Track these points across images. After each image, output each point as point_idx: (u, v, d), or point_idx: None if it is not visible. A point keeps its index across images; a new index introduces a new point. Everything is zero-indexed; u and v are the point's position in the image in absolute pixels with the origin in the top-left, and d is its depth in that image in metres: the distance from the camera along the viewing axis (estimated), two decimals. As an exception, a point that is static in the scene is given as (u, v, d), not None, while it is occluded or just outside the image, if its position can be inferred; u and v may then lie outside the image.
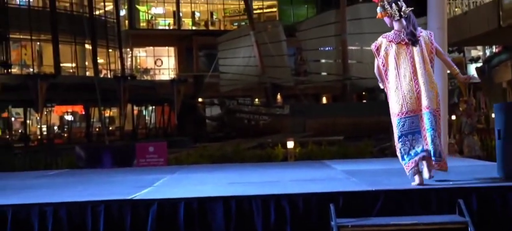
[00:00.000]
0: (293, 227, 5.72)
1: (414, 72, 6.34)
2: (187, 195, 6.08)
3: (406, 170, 6.34)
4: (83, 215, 5.83)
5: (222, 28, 52.18)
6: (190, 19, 52.74)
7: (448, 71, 8.43)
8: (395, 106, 6.37)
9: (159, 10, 52.09)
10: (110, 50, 42.33)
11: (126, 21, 48.06)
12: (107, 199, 6.02)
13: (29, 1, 38.25)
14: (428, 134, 6.24)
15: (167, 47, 50.47)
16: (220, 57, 43.68)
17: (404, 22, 6.49)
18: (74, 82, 36.83)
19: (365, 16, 40.67)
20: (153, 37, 49.83)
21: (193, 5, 52.65)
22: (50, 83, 32.50)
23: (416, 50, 6.39)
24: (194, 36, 49.64)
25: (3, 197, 6.70)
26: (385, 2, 6.66)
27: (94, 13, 40.86)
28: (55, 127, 41.73)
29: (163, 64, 50.18)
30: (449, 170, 6.52)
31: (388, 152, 16.55)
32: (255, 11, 50.50)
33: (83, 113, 40.75)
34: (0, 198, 6.57)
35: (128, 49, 47.02)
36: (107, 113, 42.43)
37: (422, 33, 6.50)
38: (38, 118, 37.47)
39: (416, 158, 6.27)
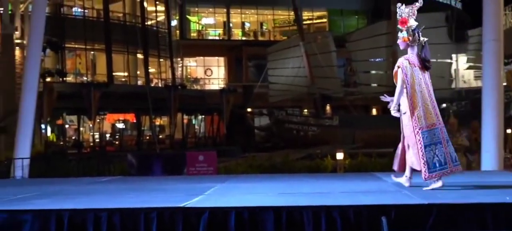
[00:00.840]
0: (344, 239, 5.69)
1: (429, 92, 7.49)
2: (238, 204, 6.12)
3: (429, 177, 7.29)
4: (136, 221, 5.92)
5: (271, 38, 52.30)
6: (240, 30, 53.05)
7: (504, 83, 8.83)
8: (421, 120, 7.35)
9: (209, 20, 52.57)
10: (161, 60, 42.89)
11: (177, 31, 48.64)
12: (160, 206, 6.11)
13: (84, 12, 39.12)
14: (448, 144, 7.41)
15: (217, 57, 50.87)
16: (270, 67, 43.73)
17: (416, 49, 7.60)
18: (126, 91, 37.44)
19: (416, 27, 40.21)
20: (203, 47, 50.28)
21: (243, 15, 52.96)
22: (103, 92, 33.12)
23: (427, 74, 7.57)
24: (244, 46, 49.87)
25: (59, 202, 6.87)
26: (410, 29, 7.66)
27: (146, 24, 41.52)
28: (107, 135, 42.47)
29: (213, 73, 50.57)
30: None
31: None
32: (304, 22, 50.44)
33: (134, 121, 41.37)
34: (57, 203, 6.74)
35: (179, 59, 47.56)
36: (158, 122, 42.99)
37: None
38: (91, 125, 38.24)
39: (444, 171, 7.30)
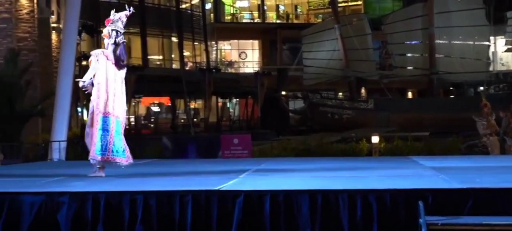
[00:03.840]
0: (380, 223, 5.63)
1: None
2: (273, 188, 6.10)
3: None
4: (172, 204, 5.95)
5: (306, 21, 52.00)
6: (275, 12, 52.82)
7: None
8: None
9: (244, 3, 52.44)
10: (195, 43, 42.99)
11: (212, 15, 48.64)
12: (195, 189, 6.13)
13: (119, -5, 39.38)
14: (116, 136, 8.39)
15: (251, 40, 50.78)
16: (304, 50, 43.48)
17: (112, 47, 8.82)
18: (161, 74, 37.64)
19: (453, 9, 39.54)
20: (237, 30, 50.22)
21: (277, -2, 52.75)
22: (138, 75, 33.32)
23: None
24: (278, 29, 49.67)
25: (96, 184, 6.94)
26: (110, 29, 9.07)
27: (180, 7, 41.60)
28: (142, 118, 42.83)
29: (247, 57, 50.55)
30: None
31: (477, 149, 16.02)
32: (339, 4, 49.93)
33: (169, 104, 41.61)
34: (93, 185, 6.81)
35: (213, 42, 47.62)
36: (192, 105, 43.15)
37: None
38: (126, 108, 38.58)
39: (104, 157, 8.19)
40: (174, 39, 40.80)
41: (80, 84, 8.81)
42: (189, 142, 16.19)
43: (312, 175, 7.60)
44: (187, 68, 40.28)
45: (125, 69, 8.93)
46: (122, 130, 8.56)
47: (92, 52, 9.11)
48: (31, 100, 16.32)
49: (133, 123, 39.38)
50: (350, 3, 53.02)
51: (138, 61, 37.54)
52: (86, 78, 8.80)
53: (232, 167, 9.17)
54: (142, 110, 42.66)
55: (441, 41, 40.15)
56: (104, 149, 8.20)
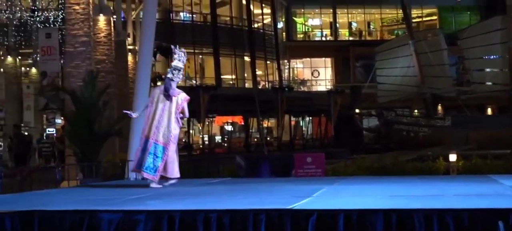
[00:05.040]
0: (458, 244, 5.45)
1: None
2: (346, 207, 6.02)
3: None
4: (245, 222, 5.95)
5: (379, 37, 51.50)
6: (347, 30, 52.61)
7: None
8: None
9: (316, 21, 52.50)
10: (268, 62, 43.27)
11: (284, 33, 48.91)
12: (268, 208, 6.11)
13: (192, 17, 40.14)
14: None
15: (323, 58, 50.71)
16: (378, 67, 43.07)
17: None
18: (234, 94, 38.05)
19: (534, 22, 38.27)
20: (310, 48, 50.27)
21: (349, 15, 52.51)
22: (211, 95, 33.81)
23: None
24: (351, 46, 49.43)
25: (170, 203, 7.04)
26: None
27: (253, 26, 42.01)
28: (216, 137, 43.31)
29: (319, 75, 50.45)
30: None
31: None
32: (414, 20, 49.31)
33: (242, 123, 41.95)
34: (168, 204, 6.92)
35: (286, 61, 47.80)
36: (265, 124, 43.35)
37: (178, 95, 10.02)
38: (200, 128, 39.14)
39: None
40: (247, 59, 41.20)
41: (129, 114, 11.01)
42: (262, 161, 16.24)
43: (387, 194, 7.46)
44: (259, 87, 40.58)
45: (174, 99, 10.02)
46: (161, 153, 9.93)
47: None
48: (108, 120, 16.77)
49: (206, 142, 39.87)
50: (424, 19, 52.27)
51: (212, 81, 38.09)
52: (139, 111, 11.01)
53: (305, 186, 9.12)
54: (215, 129, 43.16)
55: (521, 55, 38.92)
56: (138, 164, 10.02)
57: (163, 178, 10.12)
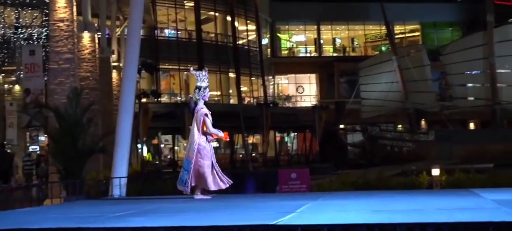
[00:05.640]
0: (440, 257, 5.51)
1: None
2: (330, 222, 6.06)
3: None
4: (229, 239, 5.97)
5: (363, 53, 51.83)
6: (331, 46, 52.90)
7: None
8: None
9: (300, 37, 52.75)
10: (253, 78, 43.37)
11: (268, 50, 49.07)
12: (253, 223, 6.14)
13: (177, 33, 40.18)
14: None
15: (308, 74, 50.91)
16: (362, 83, 43.31)
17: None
18: (219, 110, 37.97)
19: (514, 37, 38.71)
20: (294, 64, 50.46)
21: (333, 31, 52.84)
22: (196, 111, 33.75)
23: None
24: (335, 62, 49.69)
25: (155, 220, 7.04)
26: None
27: (237, 43, 42.13)
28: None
29: (304, 91, 50.63)
30: None
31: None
32: (397, 36, 49.71)
33: (228, 139, 41.93)
34: (153, 220, 6.91)
35: (270, 77, 47.93)
36: (250, 140, 43.40)
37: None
38: (185, 144, 39.05)
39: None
40: (232, 75, 41.26)
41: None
42: (247, 177, 16.23)
43: (371, 209, 7.52)
44: (244, 103, 40.61)
45: (196, 115, 11.26)
46: (188, 166, 11.12)
47: None
48: (92, 137, 16.70)
49: (192, 159, 39.67)
50: (407, 35, 52.73)
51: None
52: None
53: (290, 202, 9.16)
54: (200, 146, 42.91)
55: (503, 70, 39.33)
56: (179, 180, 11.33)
57: (206, 192, 11.14)
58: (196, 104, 11.34)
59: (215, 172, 11.28)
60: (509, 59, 38.79)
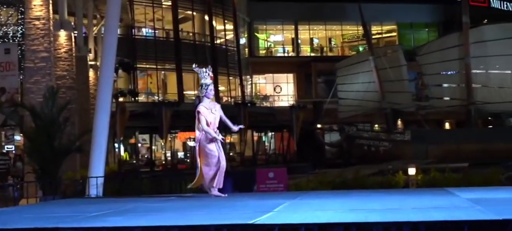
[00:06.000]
0: (416, 255, 5.57)
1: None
2: (307, 221, 6.09)
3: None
4: (207, 238, 5.98)
5: (340, 53, 52.07)
6: (309, 46, 53.07)
7: None
8: None
9: (278, 37, 52.83)
10: (230, 78, 43.36)
11: (246, 49, 49.09)
12: (230, 223, 6.16)
13: (154, 33, 40.02)
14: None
15: (286, 74, 51.02)
16: (339, 82, 43.51)
17: None
18: (197, 109, 37.95)
19: (489, 39, 39.17)
20: (272, 64, 50.53)
21: (311, 31, 53.00)
22: (174, 111, 33.69)
23: None
24: (313, 62, 49.86)
25: (132, 219, 7.02)
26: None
27: (215, 42, 42.08)
28: (179, 153, 43.13)
29: (282, 90, 50.73)
30: None
31: (518, 180, 15.73)
32: (374, 36, 50.02)
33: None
34: (130, 220, 6.89)
35: (248, 76, 47.94)
36: (228, 139, 43.37)
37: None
38: (162, 144, 38.94)
39: None
40: (209, 74, 41.05)
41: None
42: (224, 177, 16.22)
43: (348, 208, 7.57)
44: (222, 103, 40.53)
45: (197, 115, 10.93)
46: (196, 164, 11.16)
47: None
48: (69, 137, 16.59)
49: (169, 158, 39.67)
50: (384, 35, 53.08)
51: (174, 97, 37.97)
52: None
53: (267, 201, 9.18)
54: (178, 145, 42.98)
55: (477, 71, 39.76)
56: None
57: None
58: (200, 101, 11.00)
59: (217, 174, 10.91)
60: (484, 60, 39.25)
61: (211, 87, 11.12)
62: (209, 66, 11.55)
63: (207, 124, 10.91)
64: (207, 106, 11.01)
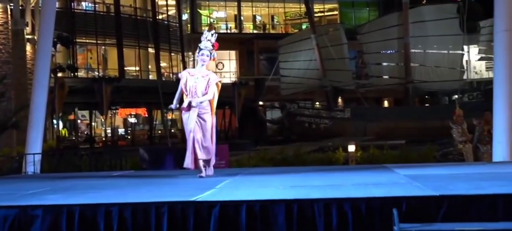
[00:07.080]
0: (356, 231, 5.66)
1: None
2: (249, 198, 6.11)
3: None
4: (147, 215, 5.92)
5: (283, 31, 52.24)
6: (251, 23, 53.02)
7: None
8: None
9: (220, 14, 52.57)
10: (172, 54, 42.95)
11: (189, 25, 48.68)
12: (171, 200, 6.11)
13: (94, 7, 39.20)
14: None
15: (228, 51, 50.84)
16: (281, 60, 43.70)
17: None
18: (138, 85, 37.51)
19: (428, 19, 40.00)
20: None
21: (254, 9, 52.90)
22: (114, 86, 33.19)
23: None
24: (255, 39, 49.86)
25: (70, 197, 6.89)
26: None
27: (157, 18, 41.55)
28: (119, 129, 42.62)
29: (224, 67, 50.60)
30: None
31: (452, 157, 16.21)
32: (316, 14, 50.30)
33: (146, 115, 41.47)
34: (68, 198, 6.77)
35: (190, 53, 47.59)
36: (170, 116, 43.06)
37: None
38: (103, 120, 38.38)
39: None
40: (151, 50, 40.69)
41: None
42: (166, 153, 16.14)
43: (289, 185, 7.62)
44: (164, 79, 40.19)
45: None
46: None
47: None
48: (5, 112, 16.16)
49: (109, 135, 39.15)
50: (326, 13, 53.42)
51: (115, 72, 37.40)
52: None
53: (209, 178, 9.16)
54: (118, 122, 42.44)
55: (416, 51, 40.58)
56: None
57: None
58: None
59: (192, 147, 9.62)
60: (422, 40, 40.08)
61: (204, 51, 9.84)
62: (214, 30, 10.31)
63: (186, 90, 9.85)
64: (192, 72, 9.96)
